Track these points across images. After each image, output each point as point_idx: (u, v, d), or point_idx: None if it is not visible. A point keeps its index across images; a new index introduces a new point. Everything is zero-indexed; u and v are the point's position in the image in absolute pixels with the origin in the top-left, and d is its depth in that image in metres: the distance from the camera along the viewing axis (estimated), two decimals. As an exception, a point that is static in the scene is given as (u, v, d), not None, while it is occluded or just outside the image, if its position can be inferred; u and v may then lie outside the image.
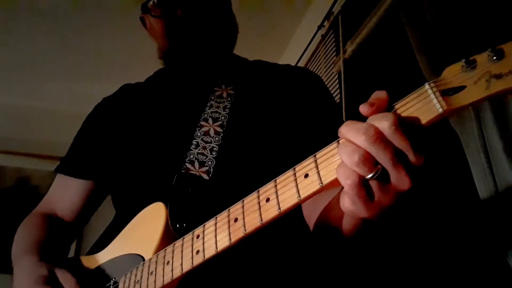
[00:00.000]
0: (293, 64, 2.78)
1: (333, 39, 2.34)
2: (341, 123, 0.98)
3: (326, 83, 2.37)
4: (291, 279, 0.81)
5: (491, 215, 1.09)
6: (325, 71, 2.40)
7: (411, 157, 0.46)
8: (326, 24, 2.42)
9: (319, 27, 2.46)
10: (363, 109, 0.49)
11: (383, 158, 0.46)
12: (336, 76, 2.23)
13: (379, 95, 0.49)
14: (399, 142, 0.45)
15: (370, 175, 0.46)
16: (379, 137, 0.45)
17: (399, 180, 0.47)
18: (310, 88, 0.97)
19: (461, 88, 0.46)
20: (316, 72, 2.53)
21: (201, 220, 0.66)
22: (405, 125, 0.46)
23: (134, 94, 1.07)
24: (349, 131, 0.48)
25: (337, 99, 2.18)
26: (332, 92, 2.26)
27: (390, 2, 1.74)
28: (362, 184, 0.47)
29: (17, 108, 3.45)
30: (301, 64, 2.72)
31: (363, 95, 0.55)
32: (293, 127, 0.89)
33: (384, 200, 0.49)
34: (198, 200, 0.80)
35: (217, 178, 0.83)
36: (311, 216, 0.80)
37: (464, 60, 0.46)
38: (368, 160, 0.46)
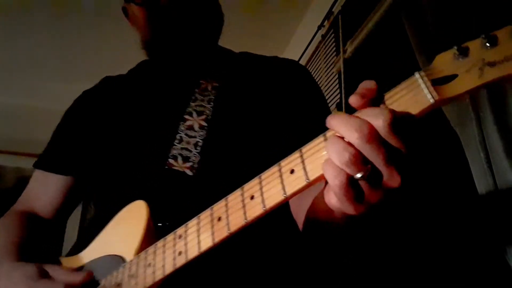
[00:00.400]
0: (293, 64, 2.79)
1: (333, 39, 2.34)
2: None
3: (326, 83, 2.37)
4: (278, 276, 0.79)
5: (491, 215, 1.09)
6: (325, 71, 2.40)
7: (404, 155, 0.44)
8: (326, 24, 2.41)
9: (319, 27, 2.46)
10: (354, 100, 0.46)
11: (376, 158, 0.44)
12: (336, 76, 2.23)
13: (369, 85, 0.47)
14: (394, 142, 0.43)
15: (360, 175, 0.44)
16: (374, 136, 0.43)
17: (390, 179, 0.45)
18: (298, 81, 0.94)
19: (453, 77, 0.44)
20: (316, 72, 2.53)
21: (185, 218, 0.64)
22: (400, 122, 0.43)
23: (116, 87, 1.03)
24: (341, 125, 0.45)
25: (337, 99, 2.18)
26: (332, 92, 2.26)
27: (390, 2, 1.74)
28: (351, 183, 0.45)
29: (17, 108, 3.45)
30: (301, 64, 2.72)
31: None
32: (280, 121, 0.86)
33: (373, 198, 0.47)
34: (182, 197, 0.77)
35: (201, 174, 0.79)
36: (298, 212, 0.78)
37: (456, 48, 0.44)
38: (359, 159, 0.43)
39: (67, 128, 1.03)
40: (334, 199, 0.47)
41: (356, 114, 0.46)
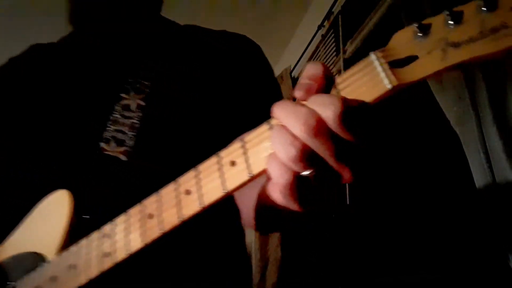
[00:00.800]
0: (293, 64, 2.79)
1: (333, 39, 2.34)
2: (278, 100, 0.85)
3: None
4: (220, 272, 0.73)
5: (491, 215, 1.09)
6: (325, 71, 2.40)
7: (357, 148, 0.39)
8: (326, 24, 2.41)
9: (319, 27, 2.46)
10: (299, 94, 0.41)
11: (325, 154, 0.39)
12: (336, 76, 2.23)
13: (315, 72, 0.41)
14: (345, 135, 0.38)
15: (307, 173, 0.39)
16: (322, 130, 0.38)
17: (341, 175, 0.40)
18: (247, 59, 0.86)
19: (413, 58, 0.38)
20: (316, 72, 2.53)
21: (116, 209, 0.58)
22: (352, 112, 0.38)
23: (45, 57, 0.90)
24: (286, 115, 0.40)
25: (337, 99, 2.18)
26: (332, 92, 2.26)
27: (390, 2, 1.74)
28: (297, 181, 0.40)
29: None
30: (301, 64, 2.72)
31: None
32: (225, 103, 0.79)
33: (320, 194, 0.43)
34: (114, 185, 0.70)
35: (136, 159, 0.71)
36: (244, 204, 0.71)
37: (416, 25, 0.39)
38: (307, 155, 0.39)
39: None
40: (277, 195, 0.42)
41: (305, 102, 0.41)
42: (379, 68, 0.38)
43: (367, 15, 1.91)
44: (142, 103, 0.76)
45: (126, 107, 0.75)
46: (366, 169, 0.42)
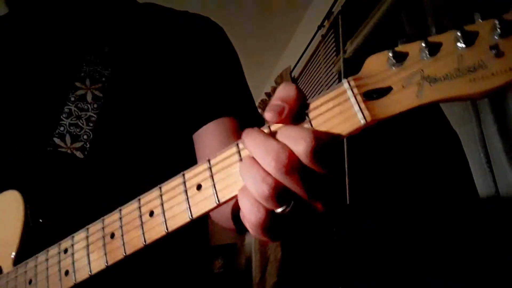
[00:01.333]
0: (293, 64, 2.79)
1: (333, 39, 2.34)
2: (244, 89, 0.75)
3: (326, 83, 2.37)
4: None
5: (491, 215, 1.09)
6: (325, 71, 2.40)
7: (327, 182, 0.38)
8: (326, 24, 2.41)
9: (319, 27, 2.46)
10: (269, 116, 0.38)
11: (297, 190, 0.37)
12: (336, 76, 2.23)
13: (288, 94, 0.39)
14: (317, 169, 0.37)
15: (280, 210, 0.37)
16: (293, 167, 0.36)
17: (313, 208, 0.39)
18: (210, 43, 0.79)
19: (388, 90, 0.36)
20: (316, 72, 2.53)
21: (73, 212, 0.54)
22: (324, 146, 0.36)
23: None
24: (256, 149, 0.38)
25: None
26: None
27: (390, 2, 1.74)
28: (270, 218, 0.38)
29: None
30: (301, 64, 2.72)
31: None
32: (189, 92, 0.73)
33: (292, 228, 0.40)
34: (69, 185, 0.64)
35: (93, 156, 0.65)
36: (222, 220, 0.67)
37: (391, 53, 0.36)
38: (279, 191, 0.37)
39: None
40: (248, 227, 0.40)
41: (276, 132, 0.39)
42: (353, 100, 0.37)
43: (367, 15, 1.91)
44: (99, 93, 0.69)
45: (82, 98, 0.68)
46: (336, 197, 0.40)
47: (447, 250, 1.30)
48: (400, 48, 0.37)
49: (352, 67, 2.09)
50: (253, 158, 0.38)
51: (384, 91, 0.36)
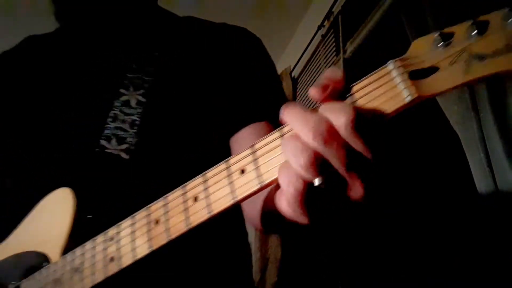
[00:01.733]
0: (293, 64, 2.79)
1: (333, 39, 2.34)
2: (280, 96, 0.79)
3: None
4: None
5: (491, 215, 1.09)
6: (325, 71, 2.40)
7: (369, 161, 0.37)
8: (326, 24, 2.41)
9: (319, 27, 2.46)
10: (314, 93, 0.39)
11: (336, 162, 0.37)
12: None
13: (334, 75, 0.40)
14: (357, 145, 0.37)
15: (317, 182, 0.37)
16: (333, 137, 0.36)
17: (352, 188, 0.39)
18: (247, 53, 0.83)
19: (434, 69, 0.36)
20: (316, 72, 2.53)
21: (119, 209, 0.56)
22: (365, 122, 0.36)
23: (41, 50, 0.87)
24: (295, 121, 0.39)
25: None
26: (332, 92, 2.26)
27: (390, 2, 1.74)
28: (307, 191, 0.38)
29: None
30: (301, 64, 2.72)
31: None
32: (227, 98, 0.77)
33: (330, 208, 0.41)
34: (116, 184, 0.68)
35: (138, 157, 0.69)
36: (248, 205, 0.69)
37: (438, 33, 0.37)
38: (317, 162, 0.37)
39: None
40: (285, 205, 0.40)
41: (317, 107, 0.39)
42: (398, 79, 0.37)
43: (367, 15, 1.91)
44: (142, 99, 0.74)
45: (126, 103, 0.74)
46: (376, 186, 0.40)
47: (447, 249, 1.30)
48: (447, 29, 0.37)
49: (352, 67, 2.09)
50: (294, 134, 0.39)
51: (430, 71, 0.36)
